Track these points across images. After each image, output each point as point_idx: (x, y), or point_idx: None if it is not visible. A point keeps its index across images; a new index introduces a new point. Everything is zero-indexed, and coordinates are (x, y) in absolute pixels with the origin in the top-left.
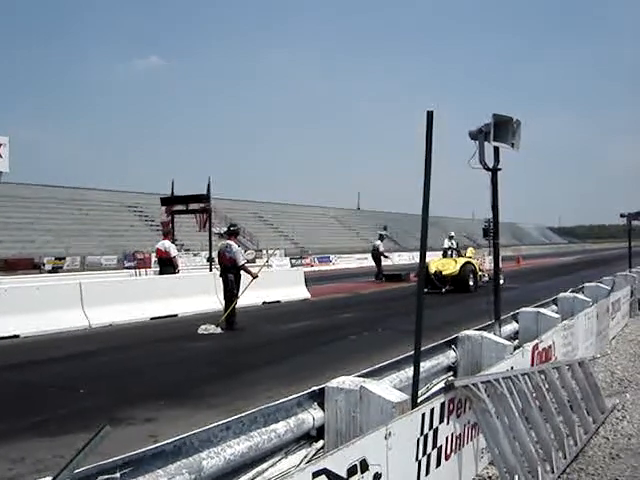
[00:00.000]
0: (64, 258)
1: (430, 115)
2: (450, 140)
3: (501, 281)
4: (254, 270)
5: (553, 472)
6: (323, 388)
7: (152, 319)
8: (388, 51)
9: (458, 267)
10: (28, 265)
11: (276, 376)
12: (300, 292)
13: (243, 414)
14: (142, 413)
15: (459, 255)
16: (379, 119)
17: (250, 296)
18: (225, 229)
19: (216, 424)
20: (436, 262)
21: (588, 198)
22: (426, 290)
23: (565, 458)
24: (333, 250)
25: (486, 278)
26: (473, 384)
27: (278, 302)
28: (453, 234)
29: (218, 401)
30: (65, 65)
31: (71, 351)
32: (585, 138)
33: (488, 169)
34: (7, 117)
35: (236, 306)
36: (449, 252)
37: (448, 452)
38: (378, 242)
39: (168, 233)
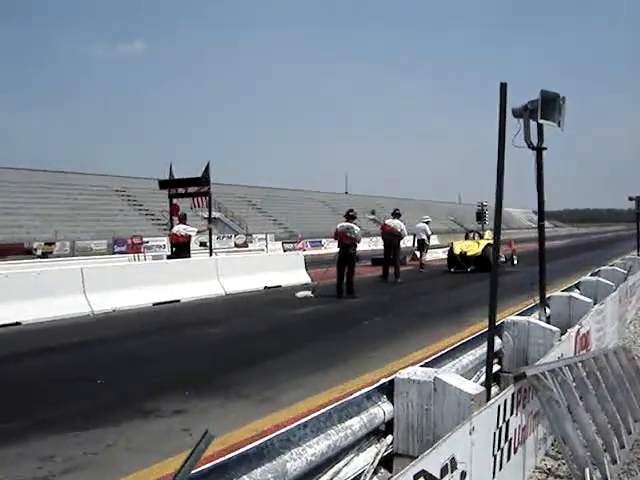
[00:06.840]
0: (54, 243)
1: (503, 87)
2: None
3: (514, 262)
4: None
5: (615, 463)
6: (392, 380)
7: (155, 304)
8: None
9: (481, 248)
10: (19, 250)
11: (297, 363)
12: (301, 276)
13: (319, 412)
14: (169, 405)
15: (480, 237)
16: (365, 104)
17: (253, 280)
18: (347, 213)
19: (295, 424)
20: (460, 244)
21: (572, 183)
22: (452, 270)
23: (623, 447)
24: (322, 234)
25: (502, 259)
26: (541, 373)
27: (279, 287)
28: (429, 218)
29: (246, 391)
30: (48, 46)
31: (78, 338)
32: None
33: (533, 148)
34: None
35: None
36: (471, 234)
37: (516, 445)
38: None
39: (184, 218)
